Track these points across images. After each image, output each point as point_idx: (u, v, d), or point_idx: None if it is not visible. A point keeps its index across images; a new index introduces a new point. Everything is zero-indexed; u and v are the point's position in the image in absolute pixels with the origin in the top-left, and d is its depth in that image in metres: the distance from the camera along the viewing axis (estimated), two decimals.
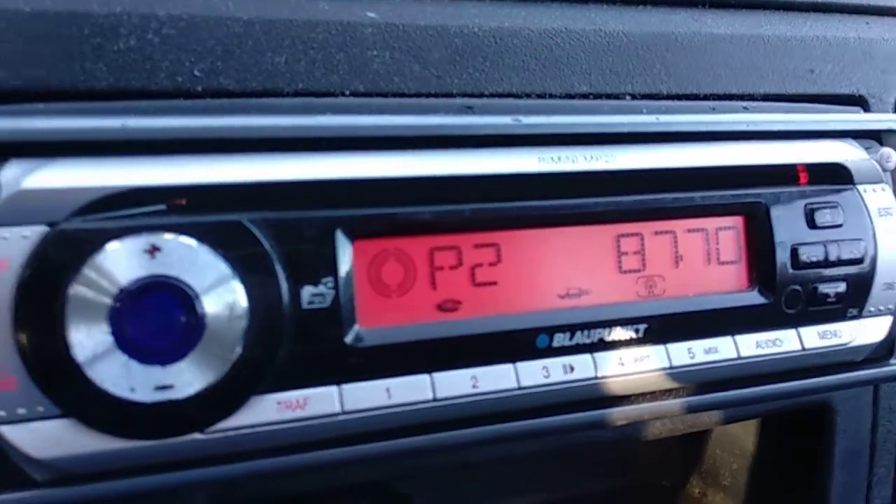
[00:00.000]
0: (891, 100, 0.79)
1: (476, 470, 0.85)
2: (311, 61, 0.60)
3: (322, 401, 0.54)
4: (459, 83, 0.64)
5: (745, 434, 0.89)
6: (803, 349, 0.67)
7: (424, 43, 0.63)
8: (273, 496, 0.63)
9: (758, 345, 0.65)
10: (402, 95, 0.62)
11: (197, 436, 0.52)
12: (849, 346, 0.69)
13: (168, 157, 0.52)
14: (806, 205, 0.67)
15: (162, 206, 0.51)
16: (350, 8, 0.62)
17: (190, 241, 0.50)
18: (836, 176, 0.69)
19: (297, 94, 0.59)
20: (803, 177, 0.69)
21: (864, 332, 0.70)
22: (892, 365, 0.72)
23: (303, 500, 0.69)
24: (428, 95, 0.63)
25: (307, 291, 0.53)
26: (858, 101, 0.77)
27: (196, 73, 0.57)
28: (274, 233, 0.52)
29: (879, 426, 0.81)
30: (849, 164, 0.69)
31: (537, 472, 0.92)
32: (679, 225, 0.64)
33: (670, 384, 0.63)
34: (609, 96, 0.69)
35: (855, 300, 0.69)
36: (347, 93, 0.61)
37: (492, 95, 0.65)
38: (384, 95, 0.62)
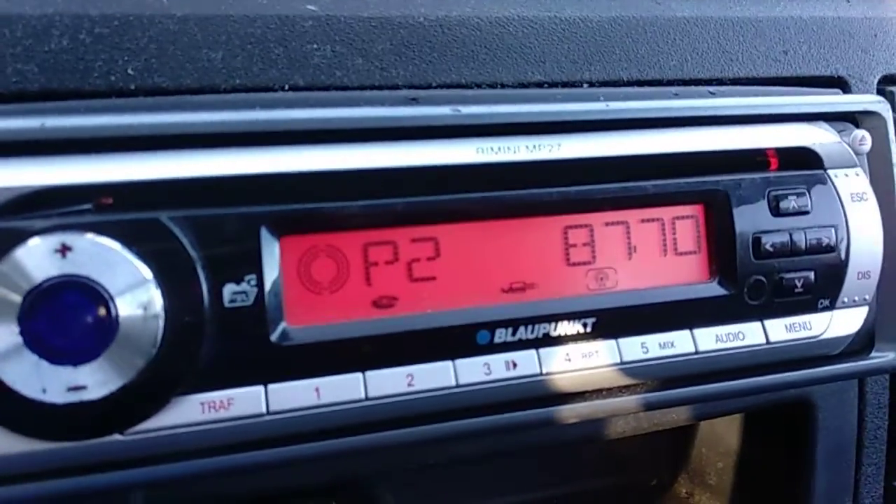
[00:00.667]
0: (873, 80, 0.75)
1: (455, 468, 0.83)
2: (248, 56, 0.59)
3: (247, 401, 0.53)
4: (405, 75, 0.62)
5: (730, 432, 0.86)
6: (768, 342, 0.64)
7: (367, 35, 0.62)
8: (213, 497, 0.62)
9: (718, 338, 0.62)
10: (345, 89, 0.61)
11: (117, 437, 0.51)
12: (820, 338, 0.66)
13: (88, 156, 0.51)
14: (769, 191, 0.64)
15: (78, 206, 0.50)
16: (290, 1, 0.61)
17: (104, 241, 0.49)
18: (804, 161, 0.66)
19: (234, 90, 0.58)
20: (773, 162, 0.66)
21: (837, 323, 0.66)
22: (872, 358, 0.69)
23: (259, 500, 0.68)
24: (372, 88, 0.62)
25: (229, 289, 0.52)
26: (837, 83, 0.74)
27: (130, 71, 0.56)
28: (195, 230, 0.51)
29: (867, 422, 0.77)
30: (817, 148, 0.66)
31: (521, 470, 0.90)
32: (632, 215, 0.62)
33: (622, 380, 0.61)
34: (565, 84, 0.67)
35: (826, 290, 0.65)
36: (287, 88, 0.60)
37: (440, 87, 0.63)
38: (326, 89, 0.61)
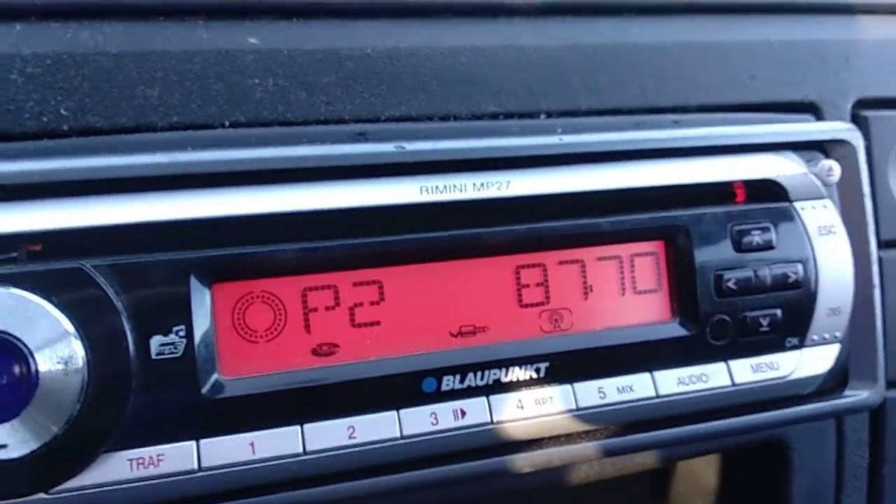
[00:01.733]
0: (846, 105, 0.73)
1: None
2: (186, 93, 0.57)
3: (178, 457, 0.50)
4: (352, 108, 0.61)
5: (709, 471, 0.83)
6: (734, 384, 0.61)
7: (312, 68, 0.60)
8: None
9: (680, 381, 0.60)
10: (289, 124, 0.59)
11: (42, 496, 0.49)
12: (789, 378, 0.63)
13: (10, 203, 0.49)
14: (732, 226, 0.61)
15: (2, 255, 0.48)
16: (230, 35, 0.59)
17: (22, 293, 0.47)
18: (769, 193, 0.63)
19: (171, 127, 0.57)
20: (739, 194, 0.64)
21: (807, 362, 0.64)
22: (845, 397, 0.66)
23: None
24: (317, 122, 0.60)
25: (156, 341, 0.50)
26: (809, 108, 0.71)
27: (63, 111, 0.55)
28: (120, 279, 0.49)
29: (846, 461, 0.74)
30: (783, 180, 0.63)
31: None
32: (587, 253, 0.60)
33: (579, 426, 0.58)
34: (522, 115, 0.64)
35: (794, 328, 0.63)
36: (227, 124, 0.58)
37: (389, 120, 0.61)
38: (268, 125, 0.59)
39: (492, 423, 0.56)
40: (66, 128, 0.54)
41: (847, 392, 0.66)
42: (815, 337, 0.64)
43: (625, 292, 0.60)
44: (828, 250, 0.63)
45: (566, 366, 0.58)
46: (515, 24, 0.66)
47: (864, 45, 0.74)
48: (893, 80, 0.74)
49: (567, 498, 0.88)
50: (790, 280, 0.62)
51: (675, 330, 0.60)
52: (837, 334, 0.64)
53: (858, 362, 0.66)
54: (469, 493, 0.62)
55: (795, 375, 0.63)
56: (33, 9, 0.55)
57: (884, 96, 0.74)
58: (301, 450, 0.52)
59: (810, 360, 0.64)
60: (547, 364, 0.57)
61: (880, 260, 0.70)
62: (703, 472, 0.83)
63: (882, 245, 0.71)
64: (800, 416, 0.64)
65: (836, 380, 0.66)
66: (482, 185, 0.57)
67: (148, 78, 0.56)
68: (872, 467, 0.74)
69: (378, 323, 0.55)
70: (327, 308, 0.54)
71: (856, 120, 0.72)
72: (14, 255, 0.49)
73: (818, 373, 0.64)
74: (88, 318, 0.48)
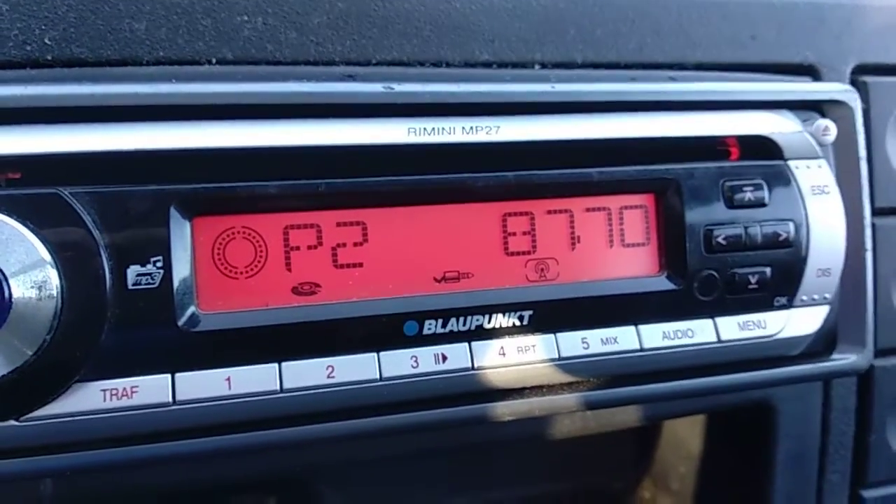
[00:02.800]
0: (846, 69, 0.72)
1: (404, 466, 0.80)
2: (173, 28, 0.56)
3: (152, 389, 0.50)
4: (342, 50, 0.60)
5: (693, 436, 0.83)
6: (720, 341, 0.60)
7: (302, 7, 0.59)
8: (139, 490, 0.60)
9: (665, 335, 0.59)
10: (277, 63, 0.58)
11: (13, 423, 0.48)
12: (776, 338, 0.62)
13: None
14: (724, 182, 0.60)
15: None
16: None
17: None
18: (763, 150, 0.62)
19: (157, 62, 0.56)
20: (734, 152, 0.63)
21: (795, 323, 0.63)
22: (833, 360, 0.65)
23: (194, 495, 0.65)
24: (306, 63, 0.59)
25: (133, 271, 0.49)
26: (808, 71, 0.70)
27: (47, 41, 0.54)
28: (98, 207, 0.49)
29: (832, 428, 0.73)
30: (777, 138, 0.62)
31: (476, 468, 0.87)
32: (576, 203, 0.59)
33: (561, 377, 0.58)
34: (516, 65, 0.63)
35: (783, 287, 0.62)
36: (214, 61, 0.57)
37: (379, 64, 0.60)
38: (256, 63, 0.58)
39: (473, 368, 0.55)
40: (49, 58, 0.54)
41: (835, 356, 0.66)
42: (804, 297, 0.63)
43: (612, 244, 0.60)
44: (820, 210, 0.62)
45: (550, 315, 0.57)
46: None
47: (866, 11, 0.73)
48: (894, 46, 0.73)
49: (552, 462, 0.87)
50: (781, 238, 0.61)
51: (662, 284, 0.60)
52: (827, 296, 0.63)
53: (847, 326, 0.66)
54: (453, 443, 0.62)
55: (783, 335, 0.62)
56: None
57: (884, 63, 0.73)
58: (278, 387, 0.52)
59: (798, 321, 0.63)
60: (531, 312, 0.57)
61: (874, 227, 0.69)
62: (687, 438, 0.83)
63: (876, 212, 0.70)
64: (786, 376, 0.63)
65: (823, 342, 0.65)
66: (471, 129, 0.56)
67: (135, 11, 0.56)
68: (858, 435, 0.74)
69: (360, 264, 0.55)
70: (309, 247, 0.54)
71: (855, 85, 0.71)
72: None
73: (806, 333, 0.63)
74: (64, 245, 0.48)
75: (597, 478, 0.90)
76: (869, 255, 0.66)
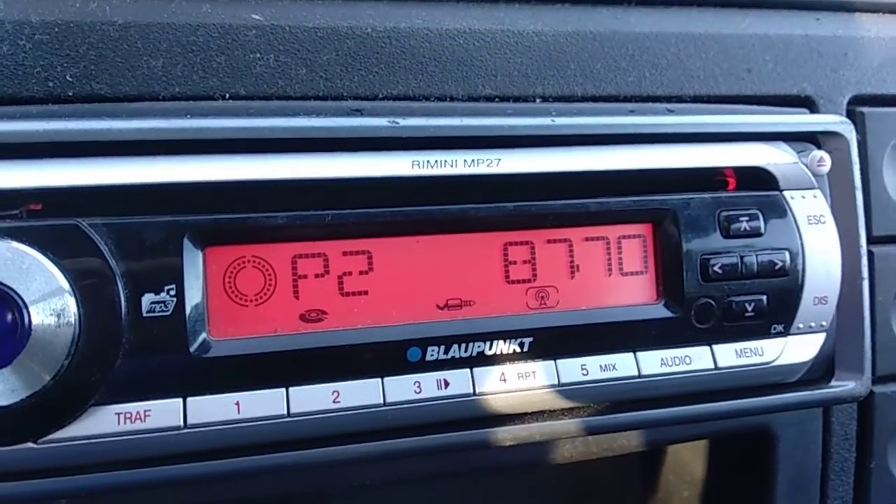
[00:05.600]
0: (842, 100, 0.73)
1: (410, 489, 0.82)
2: (189, 65, 0.58)
3: (164, 413, 0.52)
4: (350, 86, 0.62)
5: (696, 460, 0.84)
6: (717, 368, 0.62)
7: (312, 45, 0.61)
8: None
9: (663, 362, 0.60)
10: (288, 98, 0.61)
11: (30, 445, 0.50)
12: (773, 365, 0.63)
13: (16, 162, 0.51)
14: (720, 212, 0.62)
15: (4, 211, 0.50)
16: (234, 10, 0.61)
17: (21, 247, 0.49)
18: (758, 181, 0.64)
19: (173, 98, 0.58)
20: (731, 182, 0.64)
21: (792, 350, 0.64)
22: (831, 387, 0.66)
23: None
24: (316, 98, 0.61)
25: (147, 299, 0.51)
26: (805, 103, 0.72)
27: (68, 77, 0.57)
28: (115, 238, 0.51)
29: (833, 454, 0.74)
30: (772, 169, 0.64)
31: (483, 493, 0.88)
32: (575, 233, 0.60)
33: (561, 403, 0.59)
34: (517, 99, 0.65)
35: (779, 315, 0.63)
36: (227, 96, 0.59)
37: (385, 98, 0.63)
38: (268, 98, 0.60)
39: (474, 394, 0.57)
40: (70, 94, 0.56)
41: (833, 382, 0.67)
42: (801, 325, 0.64)
43: (611, 273, 0.61)
44: (816, 239, 0.64)
45: (550, 342, 0.59)
46: (514, 8, 0.68)
47: (862, 43, 0.75)
48: (890, 77, 0.75)
49: (555, 486, 0.88)
50: (776, 267, 0.62)
51: (660, 312, 0.61)
52: (823, 323, 0.65)
53: (845, 353, 0.67)
54: (455, 467, 0.63)
55: (780, 362, 0.64)
56: None
57: (880, 93, 0.75)
58: (285, 412, 0.54)
59: (795, 348, 0.64)
60: (531, 339, 0.58)
61: (871, 255, 0.71)
62: (690, 462, 0.84)
63: (874, 240, 0.72)
64: (784, 403, 0.64)
65: (821, 369, 0.66)
66: (473, 161, 0.58)
67: (152, 49, 0.58)
68: (859, 461, 0.74)
69: (366, 292, 0.56)
70: (316, 275, 0.56)
71: (851, 116, 0.72)
72: (15, 211, 0.50)
73: (803, 360, 0.65)
74: (82, 273, 0.50)
75: (601, 502, 0.91)
76: (866, 283, 0.67)
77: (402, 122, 0.57)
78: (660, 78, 0.69)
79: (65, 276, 0.50)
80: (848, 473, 0.75)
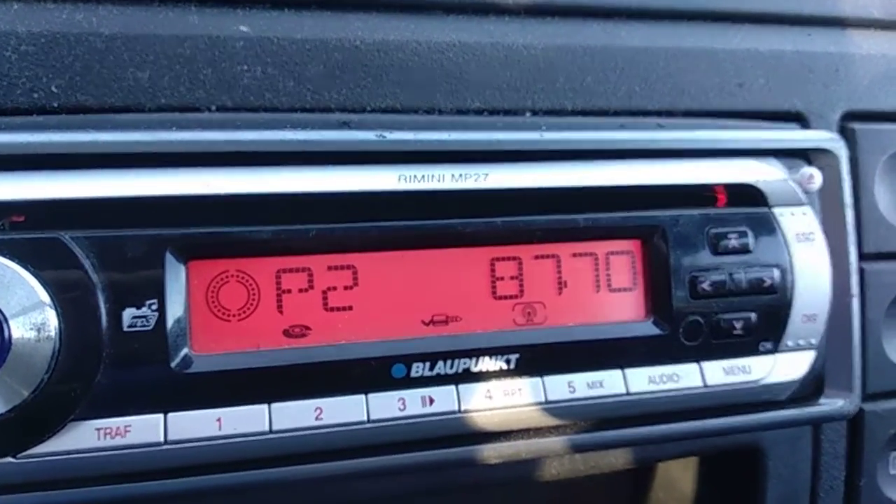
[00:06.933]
0: (834, 116, 0.73)
1: None
2: (175, 77, 0.58)
3: (145, 429, 0.51)
4: (338, 98, 0.61)
5: (686, 476, 0.83)
6: (705, 385, 0.61)
7: (300, 57, 0.61)
8: None
9: (651, 380, 0.60)
10: (275, 111, 0.60)
11: (10, 460, 0.50)
12: (762, 382, 0.63)
13: None
14: (709, 229, 0.62)
15: None
16: (221, 22, 0.60)
17: (1, 260, 0.48)
18: (747, 198, 0.63)
19: (159, 109, 0.58)
20: (721, 199, 0.64)
21: (781, 368, 0.64)
22: (820, 405, 0.66)
23: None
24: (303, 111, 0.61)
25: (129, 313, 0.51)
26: (796, 118, 0.72)
27: (54, 89, 0.56)
28: (97, 251, 0.51)
29: (822, 472, 0.73)
30: (761, 185, 0.63)
31: None
32: (563, 248, 0.60)
33: (548, 420, 0.58)
34: (507, 112, 0.65)
35: (768, 333, 0.63)
36: (214, 108, 0.59)
37: (374, 111, 0.62)
38: (255, 111, 0.60)
39: (459, 411, 0.57)
40: (56, 105, 0.56)
41: (822, 400, 0.66)
42: (790, 343, 0.64)
43: (599, 289, 0.61)
44: (805, 257, 0.63)
45: (537, 359, 0.58)
46: (504, 22, 0.67)
47: (854, 59, 0.74)
48: (882, 93, 0.75)
49: (545, 503, 0.88)
50: (765, 285, 0.62)
51: (648, 329, 0.61)
52: (813, 341, 0.64)
53: (834, 371, 0.66)
54: (441, 485, 0.63)
55: (769, 380, 0.63)
56: None
57: (872, 109, 0.74)
58: (267, 428, 0.53)
59: (784, 366, 0.64)
60: (517, 356, 0.58)
61: (863, 271, 0.70)
62: (680, 478, 0.83)
63: (865, 257, 0.71)
64: (773, 421, 0.64)
65: (811, 387, 0.66)
66: (460, 175, 0.57)
67: (139, 60, 0.58)
68: (849, 479, 0.74)
69: (350, 308, 0.56)
70: (300, 290, 0.55)
71: (843, 132, 0.72)
72: None
73: (792, 379, 0.64)
74: (63, 287, 0.49)
75: None
76: (855, 301, 0.66)
77: (390, 135, 0.57)
78: (651, 92, 0.68)
79: (46, 289, 0.49)
80: (837, 491, 0.74)
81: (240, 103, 0.59)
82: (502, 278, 0.59)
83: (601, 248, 0.61)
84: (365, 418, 0.55)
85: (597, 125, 0.66)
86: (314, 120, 0.59)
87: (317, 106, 0.61)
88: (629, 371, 0.60)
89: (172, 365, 0.52)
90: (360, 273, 0.56)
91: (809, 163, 0.66)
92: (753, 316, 0.62)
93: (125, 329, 0.51)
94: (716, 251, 0.61)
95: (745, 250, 0.62)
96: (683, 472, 0.82)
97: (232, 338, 0.54)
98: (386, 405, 0.55)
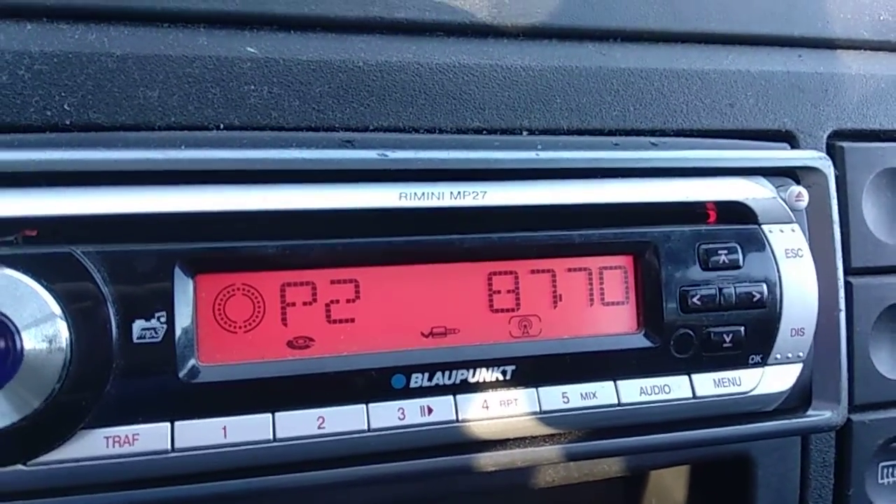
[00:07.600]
0: (822, 135, 0.75)
1: None
2: (184, 96, 0.60)
3: (152, 437, 0.53)
4: (342, 118, 0.63)
5: (677, 485, 0.85)
6: (695, 397, 0.63)
7: (305, 77, 0.63)
8: None
9: (642, 391, 0.62)
10: (281, 129, 0.62)
11: (20, 467, 0.51)
12: (751, 394, 0.65)
13: (6, 190, 0.52)
14: (700, 245, 0.63)
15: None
16: (229, 43, 0.62)
17: (14, 273, 0.50)
18: (737, 215, 0.65)
19: (168, 127, 0.60)
20: (712, 215, 0.66)
21: (769, 380, 0.66)
22: (808, 416, 0.68)
23: None
24: (308, 129, 0.63)
25: (138, 325, 0.53)
26: (786, 137, 0.74)
27: (66, 107, 0.58)
28: (107, 265, 0.52)
29: (811, 481, 0.75)
30: (751, 203, 0.65)
31: None
32: (558, 263, 0.62)
33: (542, 430, 0.60)
34: (504, 131, 0.67)
35: (757, 346, 0.65)
36: (222, 127, 0.61)
37: (376, 130, 0.64)
38: (261, 129, 0.61)
39: (457, 421, 0.58)
40: (68, 123, 0.57)
41: (810, 412, 0.68)
42: (779, 355, 0.65)
43: (593, 303, 0.63)
44: (793, 272, 0.65)
45: (532, 370, 0.60)
46: (503, 44, 0.69)
47: (843, 79, 0.77)
48: (870, 113, 0.77)
49: None
50: (754, 299, 0.64)
51: (640, 341, 0.63)
52: (800, 354, 0.66)
53: (822, 383, 0.68)
54: (439, 492, 0.64)
55: (757, 391, 0.65)
56: (44, 10, 0.58)
57: (860, 128, 0.76)
58: (271, 436, 0.55)
59: (773, 378, 0.66)
60: (513, 367, 0.60)
61: (851, 286, 0.72)
62: (672, 486, 0.85)
63: (853, 272, 0.73)
64: (762, 431, 0.66)
65: (798, 398, 0.68)
66: (459, 193, 0.59)
67: (149, 80, 0.59)
68: (838, 489, 0.76)
69: (352, 320, 0.58)
70: (304, 303, 0.57)
71: (832, 150, 0.74)
72: (11, 238, 0.52)
73: (780, 390, 0.66)
74: (74, 300, 0.51)
75: None
76: (842, 315, 0.68)
77: (391, 154, 0.59)
78: (644, 112, 0.70)
79: (57, 302, 0.51)
80: (826, 500, 0.76)
81: (247, 122, 0.61)
82: (499, 292, 0.61)
83: (595, 263, 0.63)
84: (366, 427, 0.57)
85: (591, 144, 0.67)
86: (319, 139, 0.61)
87: (321, 125, 0.63)
88: (621, 382, 0.62)
89: (180, 375, 0.53)
90: (361, 287, 0.58)
91: (798, 181, 0.68)
92: (743, 329, 0.64)
93: (134, 340, 0.52)
94: (706, 266, 0.63)
95: (734, 266, 0.64)
96: (675, 479, 0.84)
97: (238, 349, 0.56)
98: (386, 415, 0.57)
